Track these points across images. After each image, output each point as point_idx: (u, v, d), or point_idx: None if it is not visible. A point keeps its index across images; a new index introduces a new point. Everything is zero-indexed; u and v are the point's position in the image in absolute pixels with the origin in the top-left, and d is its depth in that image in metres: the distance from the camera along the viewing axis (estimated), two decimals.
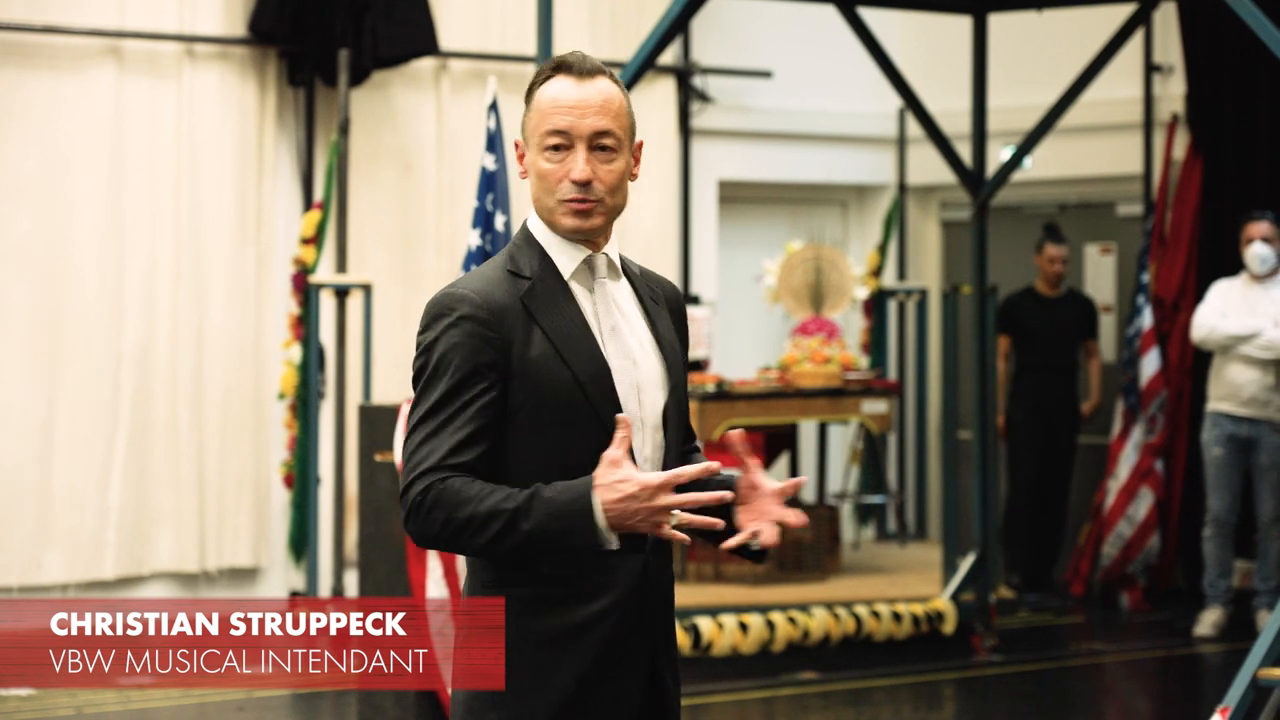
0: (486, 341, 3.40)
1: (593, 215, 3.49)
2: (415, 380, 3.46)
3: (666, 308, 3.63)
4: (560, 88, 3.50)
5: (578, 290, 3.52)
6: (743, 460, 3.52)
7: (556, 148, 3.48)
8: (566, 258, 3.52)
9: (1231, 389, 10.28)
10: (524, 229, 3.58)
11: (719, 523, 3.41)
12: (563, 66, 3.51)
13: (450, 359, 3.41)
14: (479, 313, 3.42)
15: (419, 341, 3.48)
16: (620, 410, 3.44)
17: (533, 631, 3.41)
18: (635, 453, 3.47)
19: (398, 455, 7.45)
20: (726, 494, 3.41)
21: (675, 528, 3.36)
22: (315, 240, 10.10)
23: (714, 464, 3.41)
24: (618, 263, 3.59)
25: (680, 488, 3.39)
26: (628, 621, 3.44)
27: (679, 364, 3.59)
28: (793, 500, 3.55)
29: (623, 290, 3.58)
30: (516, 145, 3.57)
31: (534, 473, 3.40)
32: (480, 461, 3.39)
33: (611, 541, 3.36)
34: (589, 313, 3.50)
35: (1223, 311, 10.26)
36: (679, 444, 3.58)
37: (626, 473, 3.35)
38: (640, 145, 3.59)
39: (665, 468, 3.51)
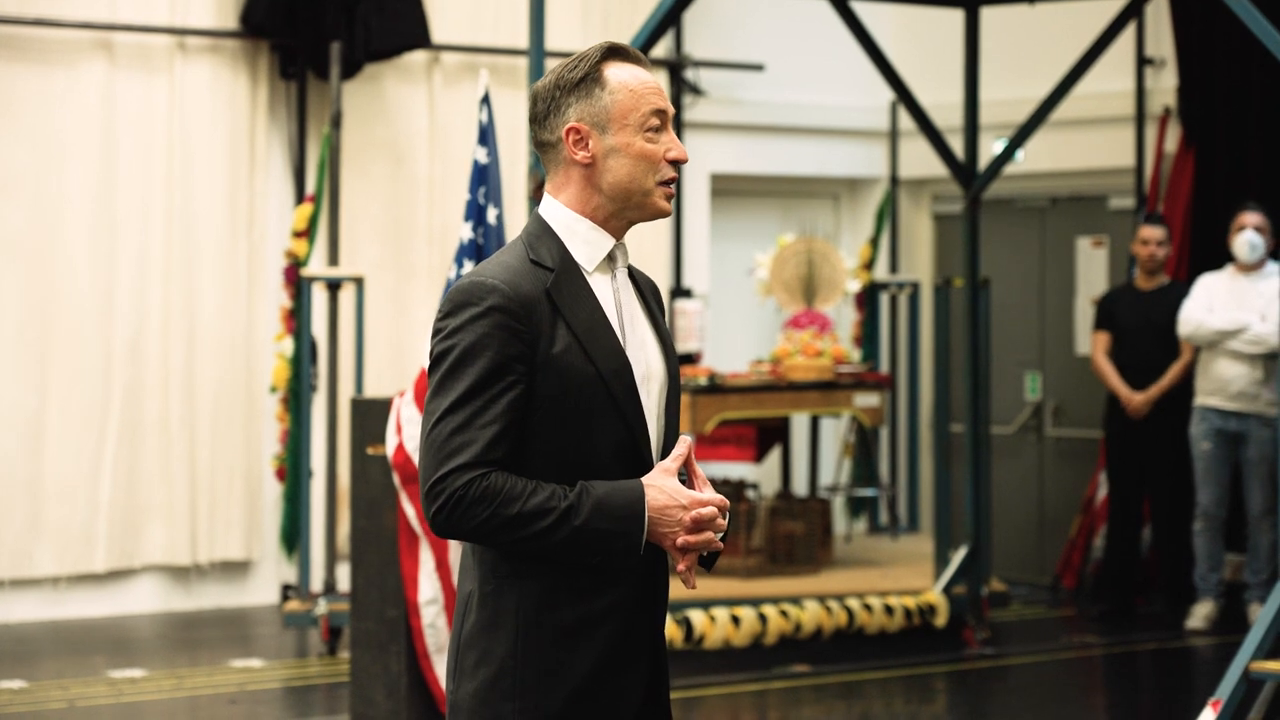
0: (515, 334, 3.37)
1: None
2: (434, 365, 3.42)
3: (653, 300, 3.64)
4: (639, 72, 3.53)
5: (597, 282, 3.50)
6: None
7: (657, 129, 3.51)
8: (592, 249, 3.50)
9: (1219, 384, 10.27)
10: (538, 219, 3.53)
11: (719, 545, 3.47)
12: (623, 53, 3.55)
13: (479, 350, 3.36)
14: (509, 304, 3.38)
15: (441, 326, 3.42)
16: (640, 404, 3.46)
17: (549, 622, 3.41)
18: (654, 444, 3.51)
19: (389, 448, 7.44)
20: (725, 501, 3.46)
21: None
22: (307, 233, 10.09)
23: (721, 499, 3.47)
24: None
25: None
26: (638, 610, 3.47)
27: (675, 356, 3.60)
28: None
29: (629, 282, 3.58)
30: (577, 130, 3.48)
31: (553, 466, 3.40)
32: (510, 457, 3.38)
33: (643, 548, 3.40)
34: (609, 305, 3.49)
35: (1209, 306, 10.25)
36: (674, 436, 3.59)
37: (676, 482, 3.41)
38: None
39: (660, 458, 3.53)
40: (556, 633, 3.41)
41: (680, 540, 3.39)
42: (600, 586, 3.42)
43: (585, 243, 3.50)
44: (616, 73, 3.50)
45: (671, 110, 3.53)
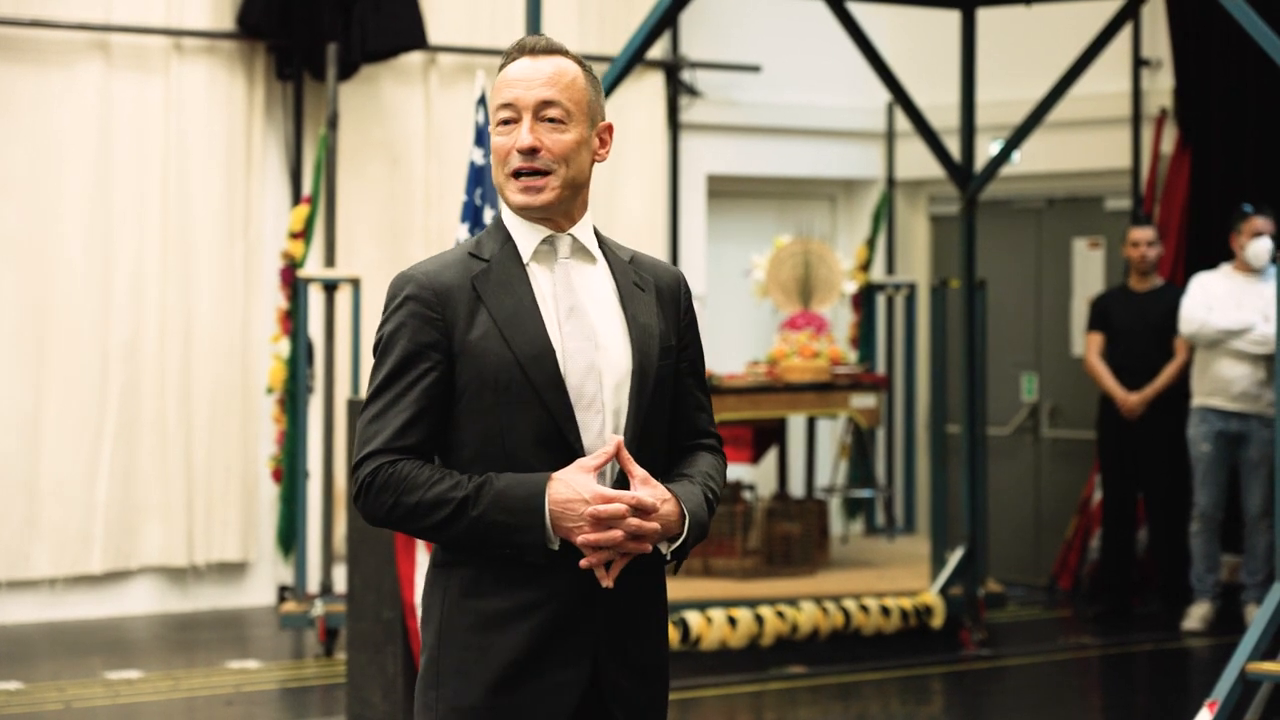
0: (428, 322, 3.43)
1: (543, 191, 3.49)
2: (373, 358, 3.53)
3: (656, 295, 3.58)
4: (514, 66, 3.53)
5: (538, 271, 3.51)
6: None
7: (506, 121, 3.51)
8: (527, 240, 3.53)
9: (1221, 384, 10.25)
10: (497, 215, 3.62)
11: (641, 546, 3.41)
12: (521, 48, 3.55)
13: (395, 339, 3.45)
14: (422, 293, 3.44)
15: (379, 322, 3.53)
16: (565, 393, 3.43)
17: (472, 611, 3.42)
18: (594, 435, 3.45)
19: None
20: (641, 500, 3.40)
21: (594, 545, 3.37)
22: (303, 234, 10.09)
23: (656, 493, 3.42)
24: (589, 244, 3.57)
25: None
26: (567, 612, 3.42)
27: (652, 350, 3.52)
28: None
29: (594, 273, 3.55)
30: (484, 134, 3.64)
31: (476, 453, 3.42)
32: (426, 443, 3.43)
33: (554, 542, 3.37)
34: (545, 294, 3.49)
35: (1208, 305, 10.24)
36: (655, 431, 3.53)
37: (587, 477, 3.37)
38: (608, 128, 3.58)
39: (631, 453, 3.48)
40: (475, 622, 3.41)
41: (582, 537, 3.36)
42: (526, 579, 3.41)
43: (521, 236, 3.54)
44: (505, 70, 3.55)
45: (533, 99, 3.49)
